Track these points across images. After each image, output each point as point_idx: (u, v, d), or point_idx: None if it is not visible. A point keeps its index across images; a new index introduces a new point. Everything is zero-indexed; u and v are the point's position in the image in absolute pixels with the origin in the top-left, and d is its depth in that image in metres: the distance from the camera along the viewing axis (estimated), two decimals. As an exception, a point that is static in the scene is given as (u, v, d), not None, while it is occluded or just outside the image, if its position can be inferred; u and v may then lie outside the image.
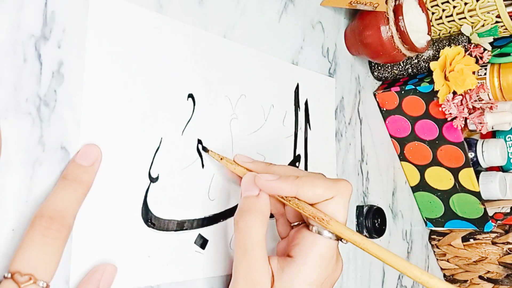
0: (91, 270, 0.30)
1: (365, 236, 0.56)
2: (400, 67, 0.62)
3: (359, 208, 0.57)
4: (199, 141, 0.38)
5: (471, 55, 0.58)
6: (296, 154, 0.49)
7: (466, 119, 0.56)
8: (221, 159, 0.38)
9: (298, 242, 0.35)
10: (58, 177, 0.29)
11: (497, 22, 0.58)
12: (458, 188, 0.63)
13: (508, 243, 0.68)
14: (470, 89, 0.54)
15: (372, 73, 0.64)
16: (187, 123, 0.38)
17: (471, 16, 0.59)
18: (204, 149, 0.39)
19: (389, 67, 0.63)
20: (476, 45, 0.59)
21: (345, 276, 0.54)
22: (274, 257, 0.35)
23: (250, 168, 0.38)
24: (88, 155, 0.30)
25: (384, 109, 0.63)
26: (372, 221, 0.56)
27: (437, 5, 0.60)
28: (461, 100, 0.55)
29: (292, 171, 0.37)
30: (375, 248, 0.32)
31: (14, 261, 0.25)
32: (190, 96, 0.38)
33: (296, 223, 0.38)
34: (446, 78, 0.55)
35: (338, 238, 0.34)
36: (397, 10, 0.52)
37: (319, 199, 0.34)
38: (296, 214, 0.38)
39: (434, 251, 0.75)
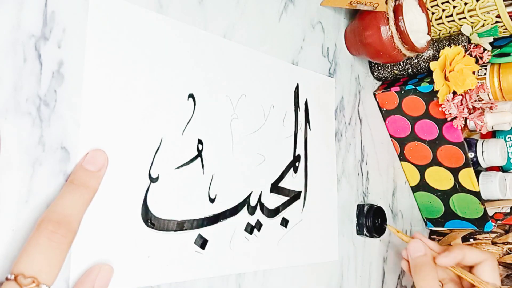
0: (86, 271, 0.30)
1: (366, 235, 0.56)
2: (400, 67, 0.62)
3: (360, 207, 0.57)
4: (200, 141, 0.38)
5: (471, 55, 0.58)
6: (296, 154, 0.49)
7: (466, 119, 0.56)
8: (397, 232, 0.54)
9: None
10: (58, 177, 0.29)
11: (497, 22, 0.58)
12: (458, 188, 0.63)
13: (508, 243, 0.68)
14: (470, 89, 0.54)
15: (372, 73, 0.64)
16: (188, 123, 0.38)
17: (471, 16, 0.59)
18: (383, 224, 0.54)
19: (389, 67, 0.63)
20: (476, 45, 0.59)
21: (345, 276, 0.54)
22: None
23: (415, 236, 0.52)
24: (96, 161, 0.30)
25: (384, 109, 0.63)
26: (372, 220, 0.56)
27: (437, 5, 0.60)
28: (461, 100, 0.55)
29: (444, 246, 0.52)
30: None
31: (18, 262, 0.25)
32: (191, 96, 0.38)
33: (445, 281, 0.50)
34: (446, 78, 0.55)
35: None
36: (397, 10, 0.52)
37: (478, 260, 0.47)
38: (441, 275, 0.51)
39: (434, 251, 0.75)
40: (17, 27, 0.28)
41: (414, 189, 0.68)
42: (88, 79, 0.31)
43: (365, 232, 0.56)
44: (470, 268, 0.48)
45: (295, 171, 0.48)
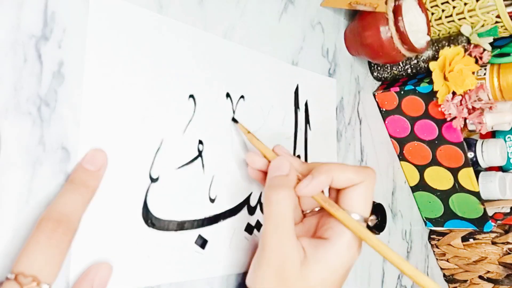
0: (85, 270, 0.30)
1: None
2: (399, 67, 0.62)
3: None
4: (200, 142, 0.38)
5: (470, 56, 0.58)
6: (296, 154, 0.49)
7: (465, 119, 0.57)
8: (248, 132, 0.41)
9: (331, 226, 0.36)
10: (59, 177, 0.29)
11: (497, 22, 0.58)
12: (457, 188, 0.63)
13: (508, 243, 0.68)
14: (469, 89, 0.55)
15: (372, 73, 0.64)
16: (188, 123, 0.38)
17: (470, 16, 0.59)
18: (234, 120, 0.41)
19: (389, 68, 0.63)
20: (476, 45, 0.59)
21: (345, 276, 0.54)
22: (303, 237, 0.37)
23: (275, 151, 0.40)
24: (95, 160, 0.30)
25: (384, 109, 0.63)
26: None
27: (436, 5, 0.60)
28: (461, 100, 0.55)
29: (312, 164, 0.39)
30: (376, 242, 0.36)
31: (18, 262, 0.25)
32: (191, 96, 0.38)
33: (308, 211, 0.41)
34: (445, 78, 0.55)
35: (365, 221, 0.36)
36: (397, 11, 0.52)
37: (350, 183, 0.36)
38: (309, 202, 0.40)
39: (433, 251, 0.75)
40: (17, 27, 0.28)
41: (414, 189, 0.68)
42: (88, 79, 0.31)
43: (365, 231, 0.56)
44: (339, 191, 0.38)
45: (295, 171, 0.48)
